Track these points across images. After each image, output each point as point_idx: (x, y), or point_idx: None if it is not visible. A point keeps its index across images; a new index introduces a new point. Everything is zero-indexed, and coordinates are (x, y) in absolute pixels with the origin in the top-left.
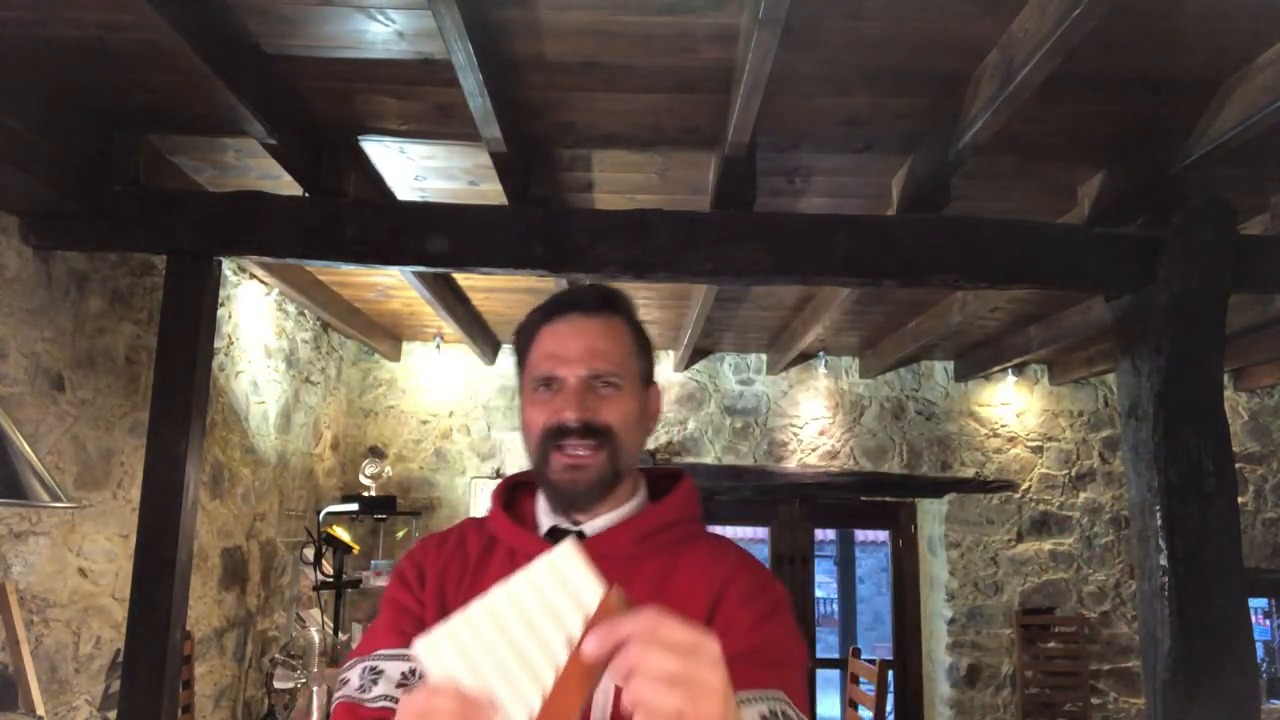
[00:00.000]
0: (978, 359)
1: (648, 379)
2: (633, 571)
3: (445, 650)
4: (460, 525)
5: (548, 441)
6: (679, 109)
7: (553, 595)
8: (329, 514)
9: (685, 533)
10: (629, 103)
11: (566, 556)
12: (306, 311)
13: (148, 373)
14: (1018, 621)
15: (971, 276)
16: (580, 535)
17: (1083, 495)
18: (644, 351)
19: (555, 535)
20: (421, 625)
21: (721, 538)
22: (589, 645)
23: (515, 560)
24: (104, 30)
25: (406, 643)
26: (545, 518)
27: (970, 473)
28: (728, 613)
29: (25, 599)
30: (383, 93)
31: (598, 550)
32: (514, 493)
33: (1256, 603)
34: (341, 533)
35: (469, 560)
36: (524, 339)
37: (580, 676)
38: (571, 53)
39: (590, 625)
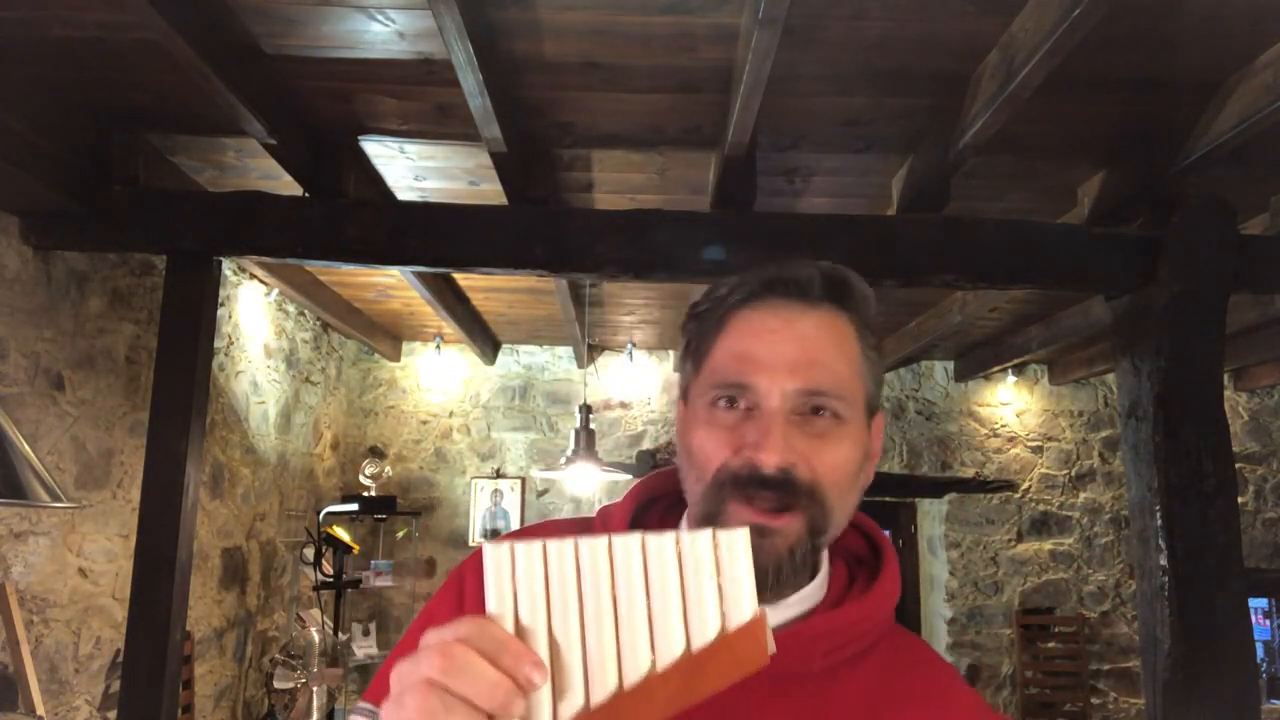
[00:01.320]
0: (978, 359)
1: (874, 408)
2: (825, 701)
3: (526, 573)
4: (545, 528)
5: (726, 489)
6: (679, 109)
7: (697, 579)
8: (329, 514)
9: (878, 635)
10: (629, 103)
11: (738, 544)
12: (306, 311)
13: (148, 373)
14: (1018, 621)
15: (971, 276)
16: None
17: (1083, 495)
18: (874, 368)
19: None
20: None
21: (923, 646)
22: (702, 636)
23: None
24: (104, 30)
25: None
26: None
27: (970, 473)
28: None
29: (25, 599)
30: (383, 93)
31: (778, 660)
32: (646, 513)
33: (1256, 603)
34: (341, 533)
35: None
36: (705, 323)
37: (673, 693)
38: (571, 53)
39: (723, 640)
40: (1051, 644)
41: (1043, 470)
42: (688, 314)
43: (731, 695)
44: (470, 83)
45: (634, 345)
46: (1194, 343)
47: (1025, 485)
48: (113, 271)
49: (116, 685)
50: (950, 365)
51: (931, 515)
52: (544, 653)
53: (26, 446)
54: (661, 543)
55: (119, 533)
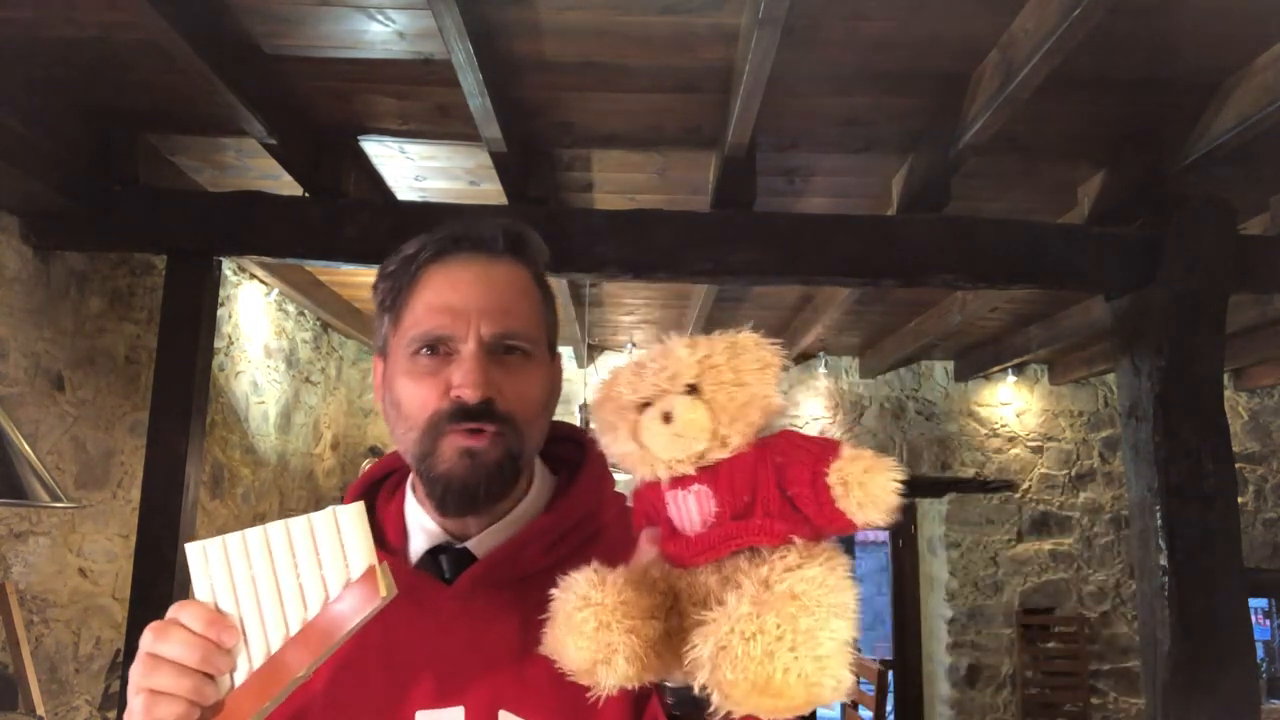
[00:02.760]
0: (978, 359)
1: (553, 348)
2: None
3: (214, 560)
4: None
5: (439, 426)
6: (679, 109)
7: (326, 549)
8: None
9: (606, 515)
10: (629, 103)
11: (352, 516)
12: (306, 311)
13: (148, 373)
14: (1018, 621)
15: (971, 276)
16: (468, 557)
17: (1083, 495)
18: (552, 313)
19: (437, 560)
20: None
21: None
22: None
23: (388, 621)
24: (104, 30)
25: None
26: (419, 535)
27: (970, 473)
28: None
29: (25, 599)
30: (383, 93)
31: (503, 573)
32: (373, 496)
33: (1256, 603)
34: None
35: None
36: (395, 282)
37: (326, 629)
38: (571, 53)
39: (349, 588)
40: (1051, 644)
41: (1043, 470)
42: (378, 275)
43: (479, 603)
44: (470, 83)
45: (634, 345)
46: (1194, 343)
47: (1025, 485)
48: (113, 271)
49: (116, 685)
50: (950, 365)
51: (931, 515)
52: (236, 619)
53: (26, 446)
54: (299, 525)
55: (119, 533)
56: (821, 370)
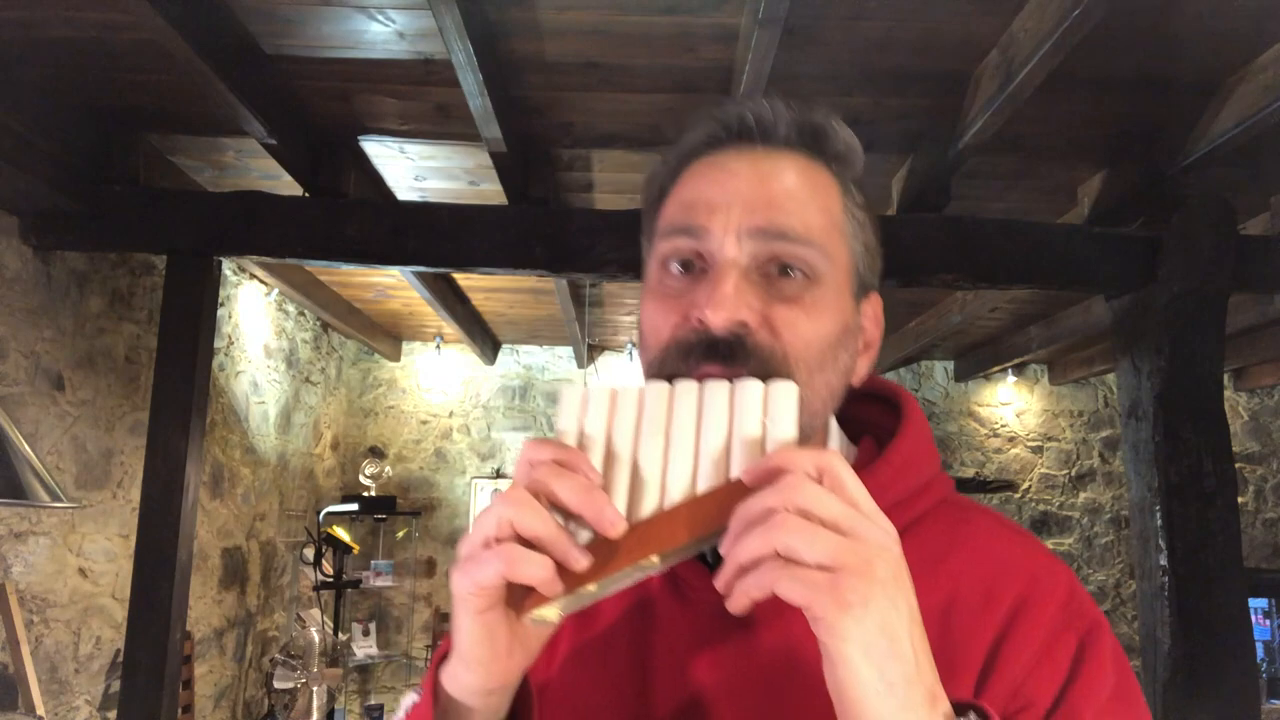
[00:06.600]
0: (978, 359)
1: (865, 284)
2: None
3: (595, 406)
4: None
5: (673, 362)
6: (679, 109)
7: (744, 415)
8: (329, 514)
9: (927, 504)
10: (629, 103)
11: (786, 390)
12: (306, 311)
13: (148, 373)
14: None
15: (971, 276)
16: None
17: (1083, 495)
18: (863, 234)
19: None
20: None
21: (984, 510)
22: (743, 466)
23: (646, 609)
24: (104, 30)
25: None
26: None
27: (970, 473)
28: (1014, 663)
29: (25, 599)
30: (383, 93)
31: None
32: None
33: (1256, 603)
34: (341, 533)
35: None
36: (654, 187)
37: (706, 516)
38: (571, 53)
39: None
40: None
41: (1043, 470)
42: (644, 185)
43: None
44: (470, 83)
45: (634, 345)
46: (1194, 343)
47: (1025, 485)
48: (113, 271)
49: (116, 685)
50: (950, 365)
51: None
52: (599, 464)
53: (26, 446)
54: (724, 387)
55: (119, 533)
56: None
